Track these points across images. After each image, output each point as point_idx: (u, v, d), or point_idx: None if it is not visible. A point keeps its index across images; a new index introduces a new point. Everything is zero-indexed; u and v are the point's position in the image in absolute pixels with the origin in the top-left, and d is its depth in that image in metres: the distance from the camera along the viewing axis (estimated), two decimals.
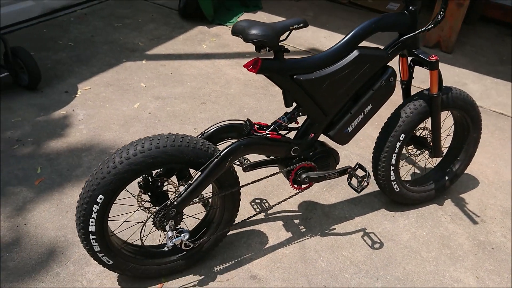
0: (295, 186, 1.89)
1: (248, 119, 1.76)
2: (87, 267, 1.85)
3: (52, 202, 2.13)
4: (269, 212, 2.19)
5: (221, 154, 1.61)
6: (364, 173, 1.83)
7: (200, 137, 1.75)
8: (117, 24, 3.87)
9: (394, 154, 2.04)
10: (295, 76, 1.68)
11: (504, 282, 1.95)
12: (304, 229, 2.12)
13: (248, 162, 1.94)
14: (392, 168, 2.08)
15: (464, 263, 2.02)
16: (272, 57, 1.64)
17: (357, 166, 1.89)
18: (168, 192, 1.75)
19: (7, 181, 2.23)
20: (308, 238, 2.07)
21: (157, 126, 2.69)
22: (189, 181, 1.65)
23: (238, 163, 1.95)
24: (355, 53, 1.75)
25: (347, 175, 1.89)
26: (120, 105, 2.85)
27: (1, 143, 2.46)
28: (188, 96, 3.00)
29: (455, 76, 3.51)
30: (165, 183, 1.73)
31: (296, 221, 2.16)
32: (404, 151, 2.58)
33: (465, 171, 2.56)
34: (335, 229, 2.14)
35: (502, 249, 2.11)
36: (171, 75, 3.22)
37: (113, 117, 2.73)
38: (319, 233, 2.10)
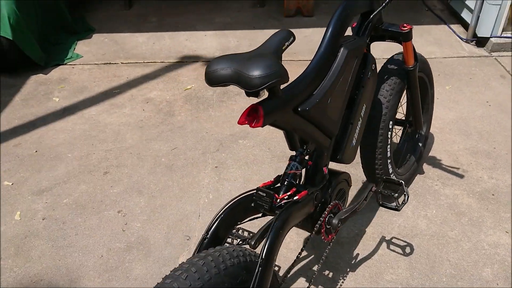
0: (328, 237, 1.47)
1: (258, 189, 1.24)
2: None
3: None
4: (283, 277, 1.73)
5: (263, 257, 1.09)
6: (398, 186, 1.50)
7: (205, 240, 1.19)
8: None
9: (388, 146, 1.77)
10: (299, 109, 1.22)
11: None
12: (331, 273, 1.72)
13: (252, 234, 1.43)
14: (389, 161, 1.80)
15: (486, 224, 1.90)
16: (266, 96, 1.14)
17: (381, 182, 1.55)
18: None
19: None
20: (342, 281, 1.68)
21: (66, 232, 1.91)
22: None
23: (240, 241, 1.42)
24: (343, 52, 1.36)
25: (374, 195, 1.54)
26: None
27: None
28: (79, 173, 2.23)
29: None
30: None
31: (315, 268, 1.75)
32: None
33: None
34: (358, 254, 1.79)
35: (500, 192, 2.06)
36: (38, 154, 2.36)
37: None
38: (347, 269, 1.73)
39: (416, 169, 2.12)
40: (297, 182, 1.31)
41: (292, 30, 1.19)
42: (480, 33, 3.22)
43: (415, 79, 1.73)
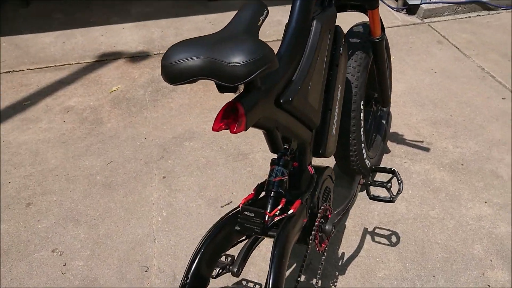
0: (322, 246, 1.25)
1: (243, 208, 0.98)
2: None
3: None
4: None
5: None
6: (391, 175, 1.31)
7: (186, 286, 0.91)
8: None
9: (362, 129, 1.59)
10: (281, 100, 0.97)
11: (498, 192, 1.82)
12: (319, 281, 1.52)
13: (231, 260, 1.17)
14: (363, 146, 1.63)
15: (463, 197, 1.81)
16: (241, 90, 0.87)
17: (371, 172, 1.35)
18: None
19: None
20: (334, 285, 1.49)
21: None
22: None
23: (220, 270, 1.15)
24: (316, 25, 1.13)
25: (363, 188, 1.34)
26: None
27: None
28: None
29: None
30: None
31: (303, 278, 1.53)
32: None
33: None
34: (344, 254, 1.61)
35: (468, 160, 1.98)
36: None
37: None
38: (336, 272, 1.54)
39: (383, 148, 1.97)
40: (285, 190, 1.06)
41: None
42: (411, 1, 3.17)
43: (383, 51, 1.56)
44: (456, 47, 2.83)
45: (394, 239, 1.65)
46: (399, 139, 2.11)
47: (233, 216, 0.99)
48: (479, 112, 2.27)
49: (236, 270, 1.15)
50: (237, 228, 0.99)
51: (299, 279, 1.10)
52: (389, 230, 1.68)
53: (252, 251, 1.21)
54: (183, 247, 1.63)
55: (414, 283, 1.49)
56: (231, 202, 1.79)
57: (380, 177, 1.86)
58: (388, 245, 1.63)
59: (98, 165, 1.99)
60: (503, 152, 2.01)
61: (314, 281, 1.51)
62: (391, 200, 1.32)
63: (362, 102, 1.54)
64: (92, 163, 2.00)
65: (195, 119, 2.25)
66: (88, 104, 2.38)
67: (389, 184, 1.32)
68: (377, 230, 1.69)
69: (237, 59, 0.72)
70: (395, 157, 2.01)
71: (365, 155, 1.66)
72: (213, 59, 0.73)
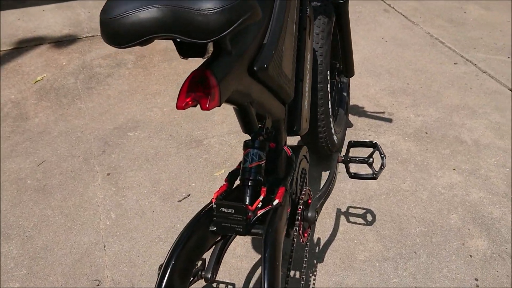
0: (304, 236, 1.09)
1: (218, 204, 0.79)
2: None
3: None
4: None
5: None
6: (372, 149, 1.18)
7: None
8: None
9: (329, 102, 1.45)
10: (255, 67, 0.78)
11: (465, 158, 1.78)
12: (297, 272, 1.38)
13: (202, 264, 1.01)
14: (331, 120, 1.49)
15: (432, 165, 1.74)
16: (208, 55, 0.68)
17: (348, 148, 1.21)
18: None
19: None
20: (314, 278, 1.35)
21: None
22: None
23: (191, 278, 0.97)
24: None
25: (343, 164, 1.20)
26: None
27: None
28: None
29: None
30: None
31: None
32: None
33: None
34: (320, 239, 1.48)
35: (431, 128, 1.92)
36: None
37: None
38: (315, 261, 1.41)
39: (346, 122, 1.86)
40: (263, 177, 0.89)
41: None
42: None
43: (347, 15, 1.42)
44: (403, 15, 2.78)
45: (369, 217, 1.54)
46: (360, 112, 2.00)
47: (205, 214, 0.81)
48: (435, 78, 2.22)
49: (209, 275, 0.98)
50: (213, 228, 0.80)
51: (288, 278, 0.95)
52: (363, 208, 1.57)
53: (225, 251, 1.04)
54: (139, 252, 1.41)
55: (396, 262, 1.39)
56: (189, 195, 1.60)
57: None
58: (364, 224, 1.52)
59: (27, 167, 1.70)
60: (463, 117, 1.98)
61: (292, 272, 1.37)
62: (374, 176, 1.19)
63: (328, 72, 1.40)
64: (20, 166, 1.71)
65: (138, 106, 2.01)
66: (8, 98, 2.05)
67: (371, 159, 1.20)
68: (351, 210, 1.57)
69: (210, 4, 0.53)
70: (359, 130, 1.90)
71: (333, 131, 1.53)
72: (175, 7, 0.53)
